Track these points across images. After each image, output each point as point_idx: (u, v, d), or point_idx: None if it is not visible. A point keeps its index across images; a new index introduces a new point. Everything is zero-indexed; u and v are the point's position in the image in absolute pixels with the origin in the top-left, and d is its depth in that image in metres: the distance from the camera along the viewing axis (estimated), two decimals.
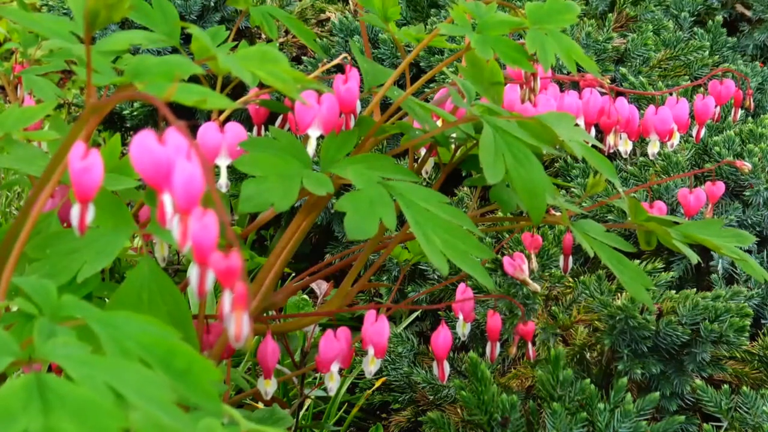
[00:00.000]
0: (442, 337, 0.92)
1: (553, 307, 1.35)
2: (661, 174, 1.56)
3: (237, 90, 1.35)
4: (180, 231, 0.51)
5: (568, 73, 1.05)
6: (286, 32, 2.33)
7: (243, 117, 1.88)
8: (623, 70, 1.81)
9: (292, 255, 0.86)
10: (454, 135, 0.88)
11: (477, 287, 1.30)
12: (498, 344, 1.01)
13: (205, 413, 0.50)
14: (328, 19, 2.39)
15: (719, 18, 2.12)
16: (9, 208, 2.08)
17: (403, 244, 1.11)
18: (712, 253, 1.46)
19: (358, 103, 0.86)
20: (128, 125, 2.12)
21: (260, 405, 1.25)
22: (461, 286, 1.01)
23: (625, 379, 1.19)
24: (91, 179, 0.54)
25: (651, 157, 1.11)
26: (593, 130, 1.00)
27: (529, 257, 1.05)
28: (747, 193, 1.54)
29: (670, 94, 1.07)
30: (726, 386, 1.24)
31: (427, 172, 0.95)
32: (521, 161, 0.77)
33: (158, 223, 0.53)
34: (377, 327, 0.85)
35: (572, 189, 1.58)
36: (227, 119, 0.87)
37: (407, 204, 0.75)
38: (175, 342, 0.50)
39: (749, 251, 1.50)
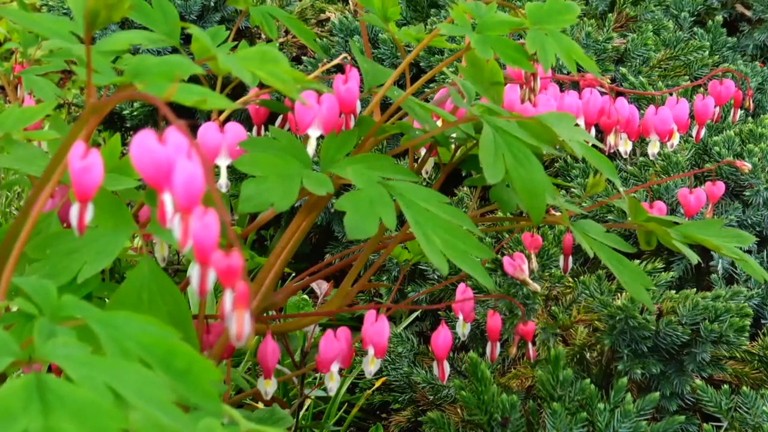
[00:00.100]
0: (442, 337, 0.92)
1: (553, 307, 1.35)
2: (661, 174, 1.56)
3: (237, 90, 1.35)
4: (181, 230, 0.51)
5: (568, 73, 1.05)
6: (286, 32, 2.33)
7: (243, 117, 1.88)
8: (623, 70, 1.81)
9: (292, 255, 0.86)
10: (454, 135, 0.88)
11: (477, 287, 1.30)
12: (498, 344, 1.01)
13: (205, 413, 0.50)
14: (328, 19, 2.39)
15: (719, 18, 2.12)
16: (9, 208, 2.08)
17: (403, 244, 1.11)
18: (712, 253, 1.46)
19: (358, 103, 0.86)
20: (128, 125, 2.12)
21: (260, 405, 1.25)
22: (461, 286, 1.01)
23: (625, 379, 1.19)
24: (91, 179, 0.54)
25: (651, 157, 1.11)
26: (593, 130, 1.00)
27: (529, 257, 1.05)
28: (747, 193, 1.54)
29: (670, 94, 1.07)
30: (726, 386, 1.24)
31: (427, 172, 0.95)
32: (521, 161, 0.77)
33: (158, 223, 0.53)
34: (377, 327, 0.85)
35: (572, 189, 1.58)
36: (227, 119, 0.87)
37: (407, 204, 0.75)
38: (175, 342, 0.50)
39: (749, 251, 1.50)
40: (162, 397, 0.46)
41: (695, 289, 1.30)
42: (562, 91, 0.97)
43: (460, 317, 0.99)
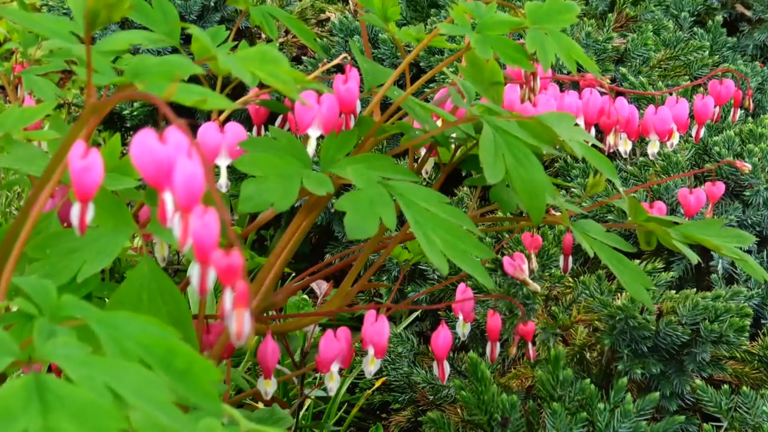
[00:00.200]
0: (442, 337, 0.92)
1: (553, 307, 1.35)
2: (661, 174, 1.56)
3: (237, 90, 1.35)
4: (181, 229, 0.51)
5: (568, 73, 1.05)
6: (286, 32, 2.33)
7: (243, 117, 1.88)
8: (623, 70, 1.81)
9: (292, 255, 0.86)
10: (454, 135, 0.88)
11: (477, 287, 1.30)
12: (498, 344, 1.01)
13: (205, 413, 0.50)
14: (328, 19, 2.39)
15: (719, 18, 2.12)
16: (9, 208, 2.08)
17: (403, 244, 1.11)
18: (712, 253, 1.46)
19: (358, 103, 0.86)
20: (128, 125, 2.12)
21: (260, 405, 1.25)
22: (461, 286, 1.01)
23: (625, 379, 1.19)
24: (91, 178, 0.54)
25: (651, 157, 1.11)
26: (593, 130, 1.00)
27: (529, 257, 1.05)
28: (747, 193, 1.54)
29: (670, 94, 1.07)
30: (726, 386, 1.24)
31: (427, 172, 0.95)
32: (521, 161, 0.77)
33: (158, 223, 0.53)
34: (377, 327, 0.85)
35: (572, 189, 1.58)
36: (227, 119, 0.87)
37: (407, 204, 0.74)
38: (175, 342, 0.50)
39: (749, 251, 1.50)
40: (162, 397, 0.46)
41: (695, 289, 1.30)
42: (562, 91, 0.97)
43: (460, 317, 0.99)
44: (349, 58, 0.89)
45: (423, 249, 0.72)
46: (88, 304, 0.54)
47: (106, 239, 0.71)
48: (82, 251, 0.70)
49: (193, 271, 0.51)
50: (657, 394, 1.20)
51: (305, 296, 1.63)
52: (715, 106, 1.09)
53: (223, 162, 0.79)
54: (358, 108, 0.86)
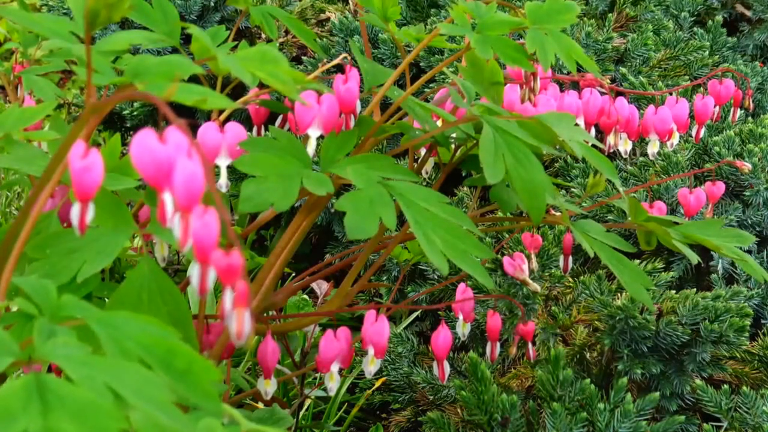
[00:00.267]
0: (442, 337, 0.92)
1: (553, 307, 1.35)
2: (661, 174, 1.56)
3: (237, 90, 1.35)
4: (181, 229, 0.51)
5: (568, 73, 1.05)
6: (286, 32, 2.33)
7: (243, 117, 1.88)
8: (623, 70, 1.81)
9: (292, 255, 0.86)
10: (454, 135, 0.88)
11: (477, 287, 1.30)
12: (498, 344, 1.01)
13: (205, 413, 0.50)
14: (328, 19, 2.39)
15: (719, 18, 2.12)
16: (9, 208, 2.08)
17: (403, 244, 1.11)
18: (712, 253, 1.46)
19: (358, 103, 0.86)
20: (128, 125, 2.12)
21: (260, 405, 1.25)
22: (461, 286, 1.01)
23: (625, 379, 1.19)
24: (91, 178, 0.54)
25: (651, 157, 1.11)
26: (593, 130, 1.00)
27: (529, 257, 1.05)
28: (747, 193, 1.54)
29: (670, 94, 1.07)
30: (726, 386, 1.24)
31: (427, 172, 0.95)
32: (521, 161, 0.77)
33: (158, 223, 0.53)
34: (377, 327, 0.85)
35: (572, 189, 1.58)
36: (227, 119, 0.87)
37: (407, 204, 0.75)
38: (175, 342, 0.50)
39: (749, 251, 1.50)
40: (162, 397, 0.46)
41: (695, 289, 1.30)
42: (562, 91, 0.97)
43: (460, 317, 0.99)
44: (349, 58, 0.89)
45: (423, 249, 0.72)
46: (88, 304, 0.54)
47: (106, 239, 0.71)
48: (82, 251, 0.70)
49: (193, 271, 0.51)
50: (657, 394, 1.20)
51: (305, 296, 1.63)
52: (715, 106, 1.09)
53: (223, 162, 0.79)
54: (358, 108, 0.86)
